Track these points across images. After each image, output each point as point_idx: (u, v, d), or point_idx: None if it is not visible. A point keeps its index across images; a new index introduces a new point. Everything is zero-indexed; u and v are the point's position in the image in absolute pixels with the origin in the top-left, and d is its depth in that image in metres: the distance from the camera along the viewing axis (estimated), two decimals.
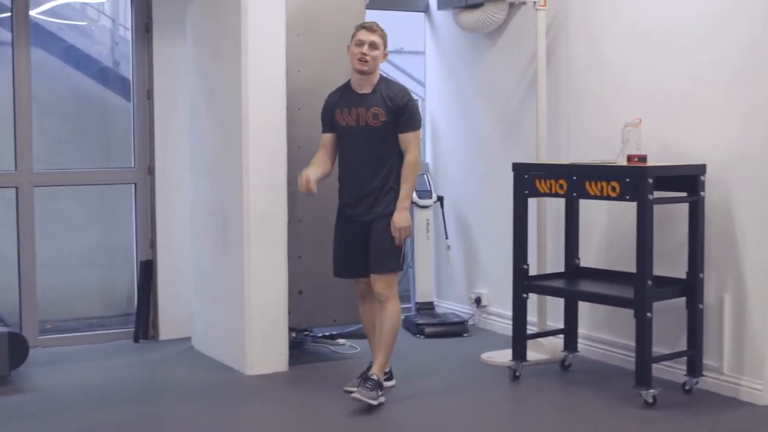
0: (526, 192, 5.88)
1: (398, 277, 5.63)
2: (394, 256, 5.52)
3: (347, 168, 5.61)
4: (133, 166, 7.16)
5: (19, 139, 6.74)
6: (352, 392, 5.50)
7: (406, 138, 5.46)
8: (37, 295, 6.82)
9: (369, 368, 5.68)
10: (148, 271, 7.10)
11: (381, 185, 5.48)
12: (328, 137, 5.68)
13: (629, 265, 5.55)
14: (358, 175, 5.54)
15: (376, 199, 5.48)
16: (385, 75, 5.66)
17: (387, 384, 5.60)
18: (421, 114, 7.70)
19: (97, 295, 7.43)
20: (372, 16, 6.76)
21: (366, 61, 5.46)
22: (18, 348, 5.99)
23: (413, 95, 5.64)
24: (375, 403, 5.39)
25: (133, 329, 7.07)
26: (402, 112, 5.46)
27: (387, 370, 5.62)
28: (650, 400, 5.31)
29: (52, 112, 7.31)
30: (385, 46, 5.55)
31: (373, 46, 5.46)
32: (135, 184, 7.15)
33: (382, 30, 5.54)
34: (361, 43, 5.47)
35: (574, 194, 5.67)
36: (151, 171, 7.12)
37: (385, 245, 5.48)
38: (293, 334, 6.55)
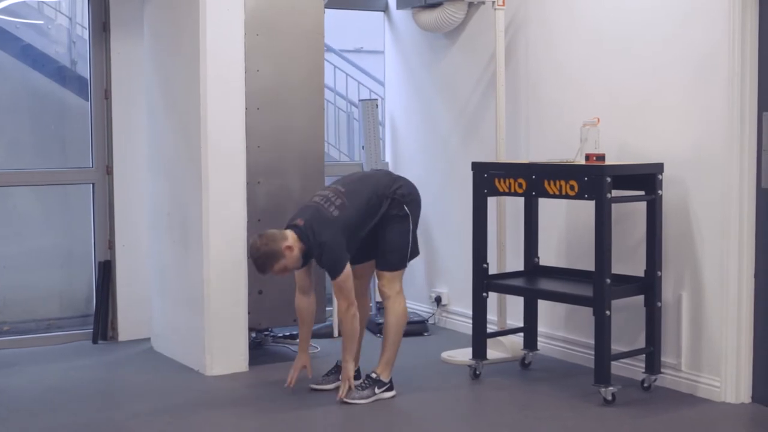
0: (486, 191, 5.90)
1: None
2: (399, 255, 5.53)
3: None
4: (91, 165, 7.11)
5: None
6: (319, 389, 5.65)
7: (333, 286, 5.40)
8: None
9: (336, 366, 5.75)
10: (106, 272, 7.05)
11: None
12: (297, 274, 5.59)
13: (588, 264, 5.58)
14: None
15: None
16: (301, 228, 5.35)
17: (386, 395, 5.55)
18: (379, 116, 7.76)
19: (56, 296, 7.36)
20: (331, 15, 6.78)
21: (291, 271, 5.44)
22: None
23: (327, 242, 5.29)
24: (365, 401, 5.42)
25: (91, 330, 7.02)
26: (321, 262, 5.38)
27: (387, 380, 5.57)
28: (609, 398, 5.34)
29: (9, 112, 7.24)
30: (281, 253, 5.27)
31: (283, 271, 5.36)
32: (93, 184, 7.10)
33: (265, 255, 5.28)
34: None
35: (533, 193, 5.69)
36: (109, 171, 7.07)
37: (392, 243, 5.50)
38: (253, 334, 6.54)
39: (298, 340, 6.66)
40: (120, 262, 7.06)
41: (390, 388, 5.56)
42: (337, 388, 5.62)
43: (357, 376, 5.70)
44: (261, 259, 5.30)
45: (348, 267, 5.33)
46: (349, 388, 5.43)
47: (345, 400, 5.42)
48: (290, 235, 5.32)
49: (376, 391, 5.49)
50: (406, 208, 5.51)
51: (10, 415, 5.33)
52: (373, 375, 5.52)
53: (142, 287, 6.96)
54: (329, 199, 5.39)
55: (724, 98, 5.28)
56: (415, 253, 5.60)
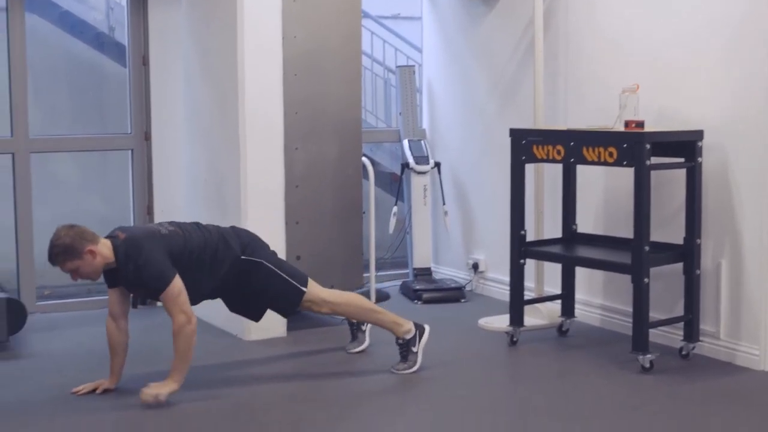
0: (524, 158, 5.87)
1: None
2: (289, 291, 5.30)
3: None
4: (129, 132, 7.15)
5: (14, 105, 6.73)
6: (353, 352, 5.75)
7: (164, 303, 4.95)
8: (34, 262, 6.82)
9: (350, 328, 5.85)
10: None
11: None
12: (109, 294, 5.21)
13: (626, 231, 5.55)
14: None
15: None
16: (119, 241, 4.92)
17: (424, 339, 5.44)
18: (416, 83, 7.72)
19: None
20: None
21: (83, 278, 5.06)
22: (16, 314, 6.01)
23: (147, 253, 4.84)
24: (416, 367, 5.39)
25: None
26: (141, 281, 4.93)
27: (410, 333, 5.40)
28: (647, 365, 5.33)
29: (48, 79, 7.30)
30: (80, 253, 4.85)
31: (74, 272, 4.94)
32: (131, 150, 7.14)
33: (62, 247, 4.86)
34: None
35: (572, 160, 5.66)
36: (147, 137, 7.10)
37: (271, 291, 5.31)
38: None
39: None
40: None
41: (422, 333, 5.46)
42: (363, 351, 5.75)
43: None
44: (56, 249, 4.87)
45: (178, 279, 4.87)
46: (156, 397, 4.88)
47: (395, 371, 5.40)
48: (103, 243, 4.91)
49: (413, 349, 5.42)
50: (252, 258, 5.22)
51: (49, 378, 5.39)
52: (400, 341, 5.44)
53: None
54: (162, 224, 5.11)
55: (763, 62, 5.22)
56: (299, 275, 5.33)
